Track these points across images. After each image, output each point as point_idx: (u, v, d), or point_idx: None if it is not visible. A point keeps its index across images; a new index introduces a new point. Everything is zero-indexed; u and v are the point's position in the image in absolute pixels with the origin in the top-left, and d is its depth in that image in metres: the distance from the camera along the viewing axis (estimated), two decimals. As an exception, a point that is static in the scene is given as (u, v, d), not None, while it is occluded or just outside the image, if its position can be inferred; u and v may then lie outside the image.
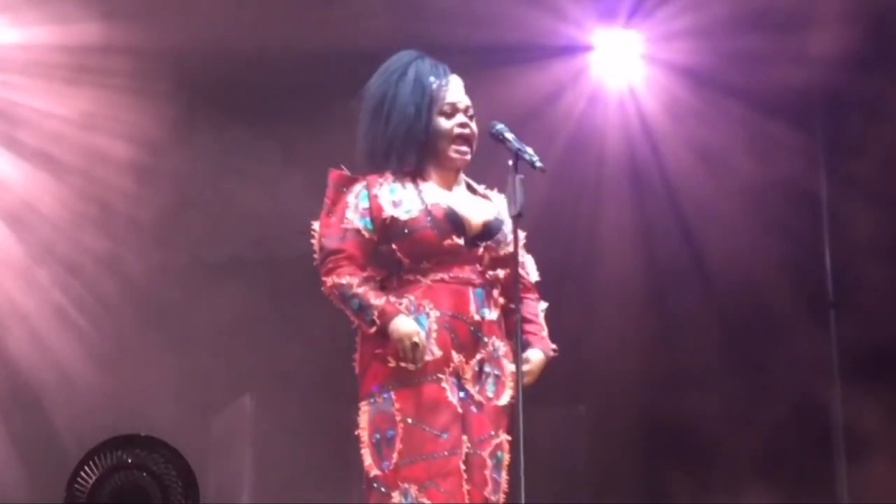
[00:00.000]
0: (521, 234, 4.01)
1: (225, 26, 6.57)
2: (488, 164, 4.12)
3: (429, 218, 3.85)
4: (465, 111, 3.99)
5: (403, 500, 3.72)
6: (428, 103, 3.93)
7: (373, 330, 3.80)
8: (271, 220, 7.15)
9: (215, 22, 6.54)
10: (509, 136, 3.84)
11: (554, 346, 4.01)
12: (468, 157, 3.98)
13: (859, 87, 6.68)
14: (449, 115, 3.96)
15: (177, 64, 6.80)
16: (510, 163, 3.78)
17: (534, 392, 3.86)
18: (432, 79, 3.97)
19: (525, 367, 3.81)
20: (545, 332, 4.02)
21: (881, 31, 6.36)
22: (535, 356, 3.92)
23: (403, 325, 3.76)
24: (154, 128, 6.98)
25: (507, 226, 3.87)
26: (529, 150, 3.80)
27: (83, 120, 6.95)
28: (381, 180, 3.92)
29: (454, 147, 3.95)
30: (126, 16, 6.48)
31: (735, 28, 6.58)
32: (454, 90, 4.00)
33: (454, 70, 4.07)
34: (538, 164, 3.77)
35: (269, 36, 6.67)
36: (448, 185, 3.98)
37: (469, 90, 4.05)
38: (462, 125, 3.96)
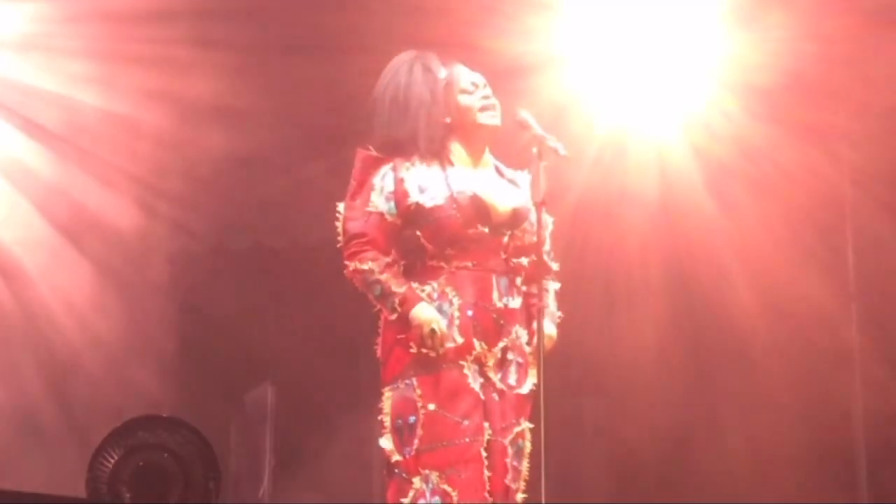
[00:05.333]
0: (549, 220, 4.02)
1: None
2: (512, 152, 4.13)
3: (454, 206, 3.84)
4: (484, 87, 4.00)
5: (424, 486, 3.73)
6: (444, 86, 3.96)
7: (394, 317, 3.81)
8: (294, 207, 7.18)
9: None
10: (534, 123, 3.85)
11: (560, 313, 4.02)
12: (498, 120, 3.96)
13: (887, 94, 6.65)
14: (471, 93, 3.97)
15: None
16: (534, 150, 3.79)
17: (555, 383, 3.86)
18: (441, 67, 4.00)
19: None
20: (552, 307, 3.99)
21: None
22: (544, 327, 3.90)
23: (424, 312, 3.77)
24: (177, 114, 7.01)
25: (534, 214, 3.87)
26: (554, 137, 3.80)
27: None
28: (407, 163, 3.91)
29: (484, 115, 3.95)
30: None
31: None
32: (466, 73, 4.02)
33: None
34: (563, 151, 3.78)
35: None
36: (476, 165, 3.98)
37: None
38: (486, 97, 3.97)
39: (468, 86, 3.98)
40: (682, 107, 6.99)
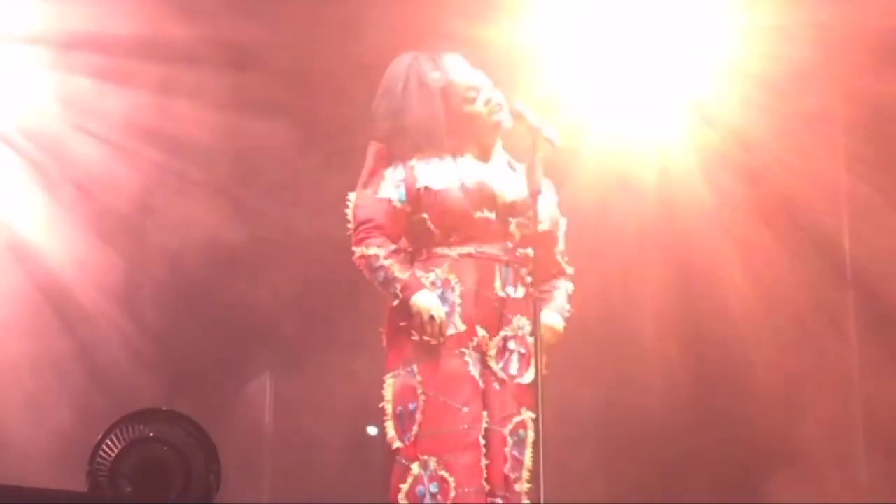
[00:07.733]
0: (563, 221, 4.05)
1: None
2: (506, 143, 4.14)
3: (461, 189, 3.87)
4: (487, 90, 3.98)
5: (422, 472, 3.74)
6: (443, 100, 3.93)
7: (396, 303, 3.82)
8: (289, 199, 7.18)
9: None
10: (529, 114, 3.86)
11: (569, 307, 4.03)
12: (507, 121, 3.94)
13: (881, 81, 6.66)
14: (472, 101, 3.97)
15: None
16: (530, 140, 3.80)
17: (555, 374, 3.88)
18: (435, 75, 3.96)
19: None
20: (560, 301, 4.02)
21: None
22: (548, 318, 3.93)
23: (423, 299, 3.78)
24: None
25: (543, 206, 3.86)
26: (549, 127, 3.81)
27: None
28: (419, 155, 3.93)
29: (492, 117, 3.95)
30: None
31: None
32: (460, 73, 3.99)
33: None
34: (557, 141, 3.80)
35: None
36: (486, 158, 3.99)
37: None
38: (488, 101, 3.96)
39: (468, 93, 3.96)
40: (677, 96, 7.01)
